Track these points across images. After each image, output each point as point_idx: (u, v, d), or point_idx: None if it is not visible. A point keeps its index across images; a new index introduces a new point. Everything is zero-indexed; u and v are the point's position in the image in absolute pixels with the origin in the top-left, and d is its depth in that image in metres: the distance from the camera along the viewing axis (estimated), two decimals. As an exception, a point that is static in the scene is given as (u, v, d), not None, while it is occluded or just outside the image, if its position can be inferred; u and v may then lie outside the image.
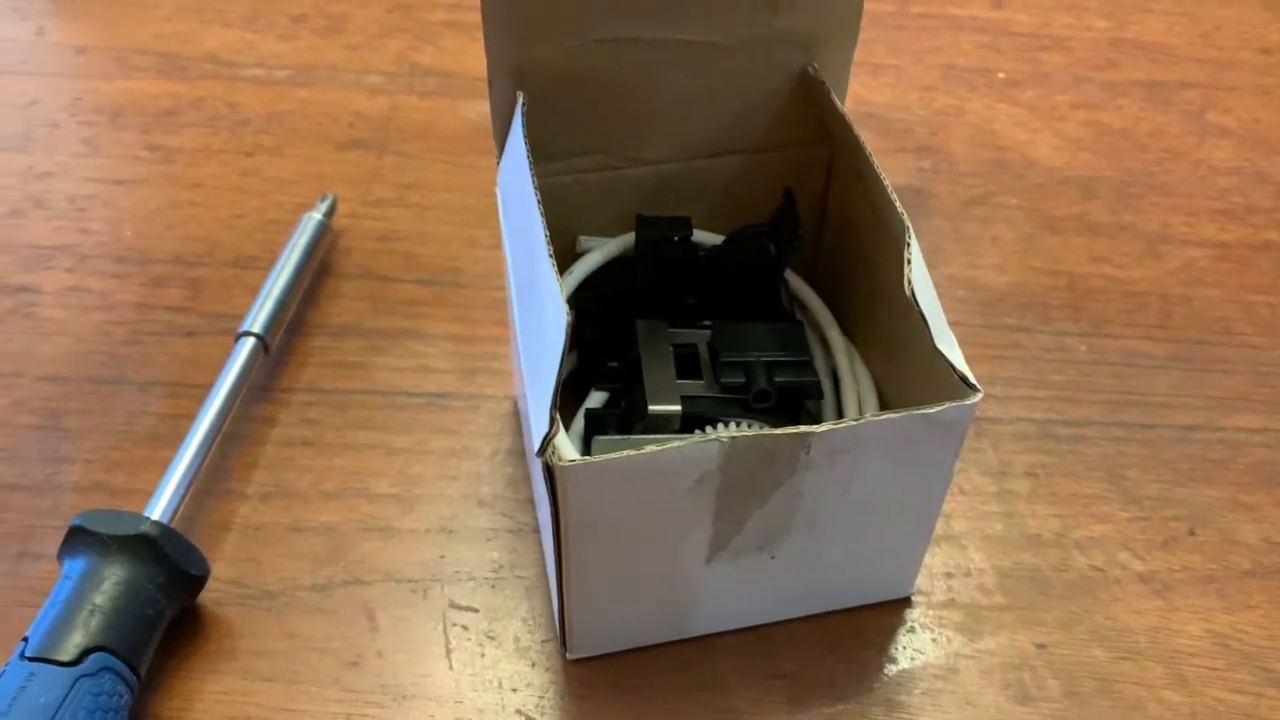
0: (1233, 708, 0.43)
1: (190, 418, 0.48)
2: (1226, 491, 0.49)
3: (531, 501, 0.48)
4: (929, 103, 0.68)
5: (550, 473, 0.35)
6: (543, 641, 0.44)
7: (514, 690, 0.43)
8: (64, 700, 0.38)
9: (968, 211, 0.61)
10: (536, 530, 0.47)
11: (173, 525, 0.44)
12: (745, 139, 0.47)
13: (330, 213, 0.57)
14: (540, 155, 0.42)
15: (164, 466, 0.46)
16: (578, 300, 0.46)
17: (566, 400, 0.44)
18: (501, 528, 0.47)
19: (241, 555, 0.46)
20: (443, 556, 0.46)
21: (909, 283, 0.37)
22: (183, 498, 0.45)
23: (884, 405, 0.46)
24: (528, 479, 0.49)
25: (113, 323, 0.55)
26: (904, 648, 0.44)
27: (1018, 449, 0.51)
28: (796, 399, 0.46)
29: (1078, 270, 0.58)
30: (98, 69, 0.69)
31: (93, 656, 0.39)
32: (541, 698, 0.43)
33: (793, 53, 0.45)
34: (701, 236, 0.48)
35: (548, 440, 0.34)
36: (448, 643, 0.44)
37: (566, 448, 0.35)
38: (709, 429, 0.42)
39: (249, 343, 0.50)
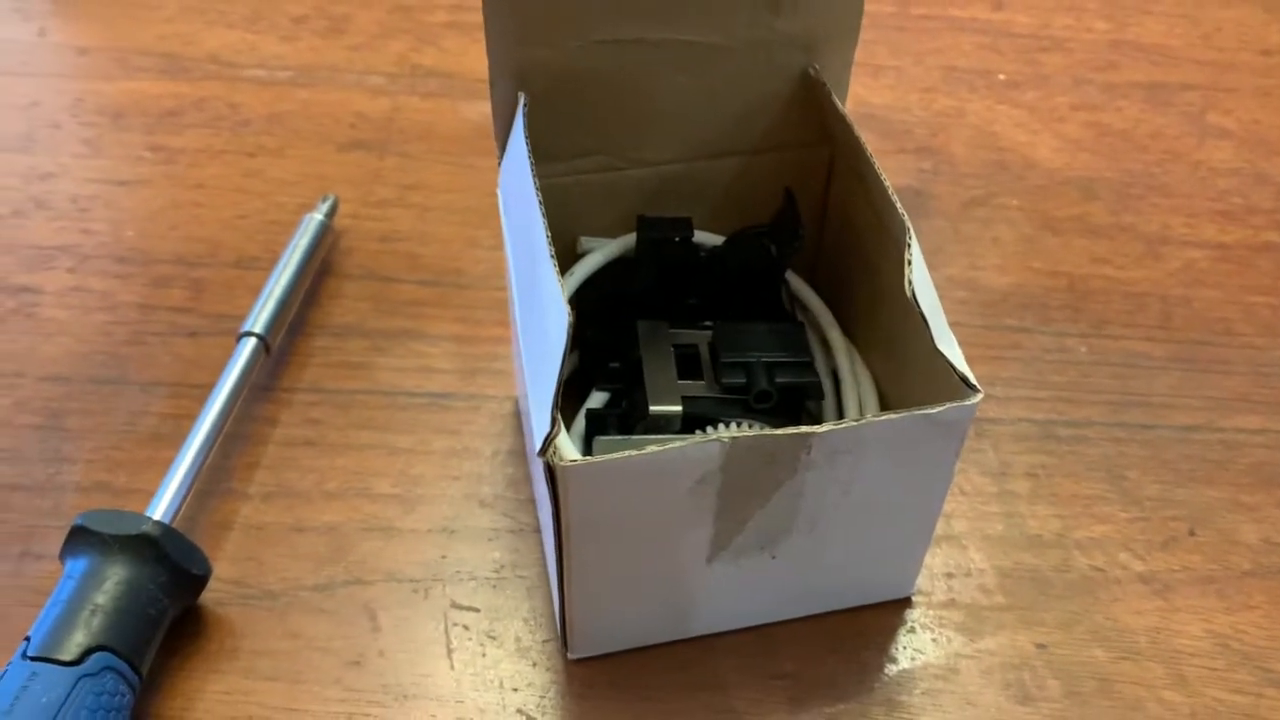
0: (1233, 708, 0.43)
1: (192, 418, 0.48)
2: (1227, 492, 0.49)
3: (533, 501, 0.48)
4: (929, 104, 0.68)
5: (552, 473, 0.35)
6: (544, 641, 0.44)
7: (515, 690, 0.43)
8: (66, 700, 0.38)
9: (968, 212, 0.61)
10: (538, 530, 0.47)
11: (174, 525, 0.44)
12: (746, 140, 0.47)
13: (332, 213, 0.58)
14: (541, 156, 0.42)
15: (166, 466, 0.46)
16: (579, 301, 0.46)
17: (567, 401, 0.44)
18: (503, 528, 0.47)
19: (243, 555, 0.46)
20: (444, 556, 0.46)
21: (910, 283, 0.37)
22: (184, 497, 0.45)
23: (885, 406, 0.46)
24: (529, 479, 0.49)
25: (115, 323, 0.55)
26: (904, 648, 0.44)
27: (1018, 449, 0.51)
28: (797, 399, 0.46)
29: (1078, 271, 0.58)
30: (99, 70, 0.69)
31: (95, 656, 0.39)
32: (543, 697, 0.43)
33: (794, 54, 0.45)
34: (702, 237, 0.48)
35: (549, 440, 0.35)
36: (449, 642, 0.44)
37: (568, 448, 0.35)
38: (710, 429, 0.42)
39: (251, 343, 0.51)
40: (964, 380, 0.37)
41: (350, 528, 0.47)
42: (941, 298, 0.39)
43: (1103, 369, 0.54)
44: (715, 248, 0.48)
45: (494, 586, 0.46)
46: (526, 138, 0.40)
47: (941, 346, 0.37)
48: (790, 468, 0.37)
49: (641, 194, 0.48)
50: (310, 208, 0.58)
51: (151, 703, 0.42)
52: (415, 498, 0.48)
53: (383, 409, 0.51)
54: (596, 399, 0.46)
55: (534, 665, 0.43)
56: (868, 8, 0.44)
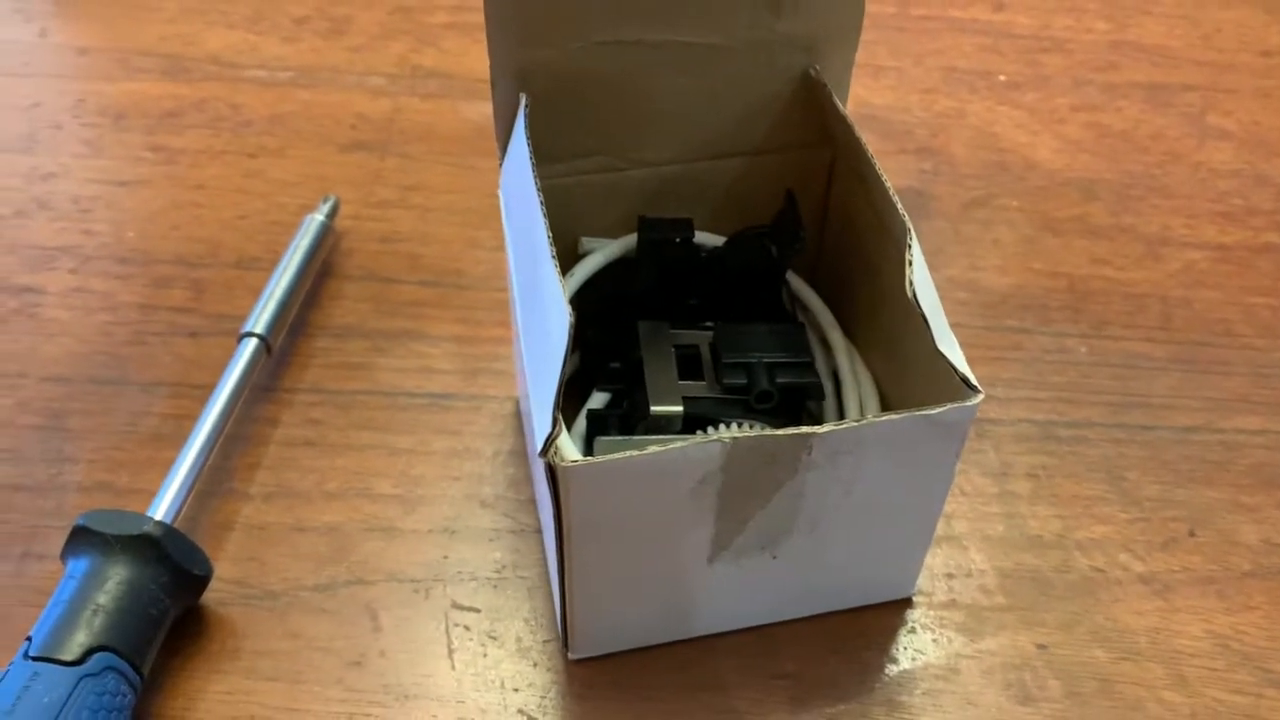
0: (1233, 708, 0.43)
1: (193, 418, 0.48)
2: (1227, 493, 0.49)
3: (533, 502, 0.48)
4: (930, 105, 0.68)
5: (553, 473, 0.35)
6: (545, 641, 0.44)
7: (516, 690, 0.43)
8: (67, 699, 0.38)
9: (969, 213, 0.61)
10: (538, 530, 0.47)
11: (176, 525, 0.44)
12: (747, 141, 0.47)
13: (333, 214, 0.58)
14: (542, 157, 0.42)
15: (167, 467, 0.46)
16: (580, 301, 0.46)
17: (568, 401, 0.44)
18: (504, 528, 0.47)
19: (244, 555, 0.46)
20: (445, 557, 0.46)
21: (910, 284, 0.37)
22: (186, 498, 0.45)
23: (885, 406, 0.47)
24: (530, 479, 0.49)
25: (116, 323, 0.55)
26: (905, 648, 0.44)
27: (1019, 450, 0.51)
28: (798, 400, 0.46)
29: (1078, 272, 0.58)
30: (101, 70, 0.69)
31: (96, 656, 0.39)
32: (543, 698, 0.43)
33: (794, 55, 0.45)
34: (703, 238, 0.48)
35: (550, 441, 0.35)
36: (450, 643, 0.44)
37: (569, 448, 0.35)
38: (711, 430, 0.42)
39: (251, 343, 0.51)
40: (965, 381, 0.37)
41: (351, 528, 0.47)
42: (942, 298, 0.39)
43: (1103, 370, 0.54)
44: (716, 248, 0.48)
45: (495, 587, 0.46)
46: (528, 138, 0.40)
47: (942, 347, 0.37)
48: (791, 468, 0.37)
49: (642, 195, 0.48)
50: (311, 208, 0.58)
51: (153, 703, 0.42)
52: (416, 498, 0.48)
53: (384, 409, 0.51)
54: (597, 399, 0.46)
55: (535, 665, 0.43)
56: (868, 8, 0.45)
